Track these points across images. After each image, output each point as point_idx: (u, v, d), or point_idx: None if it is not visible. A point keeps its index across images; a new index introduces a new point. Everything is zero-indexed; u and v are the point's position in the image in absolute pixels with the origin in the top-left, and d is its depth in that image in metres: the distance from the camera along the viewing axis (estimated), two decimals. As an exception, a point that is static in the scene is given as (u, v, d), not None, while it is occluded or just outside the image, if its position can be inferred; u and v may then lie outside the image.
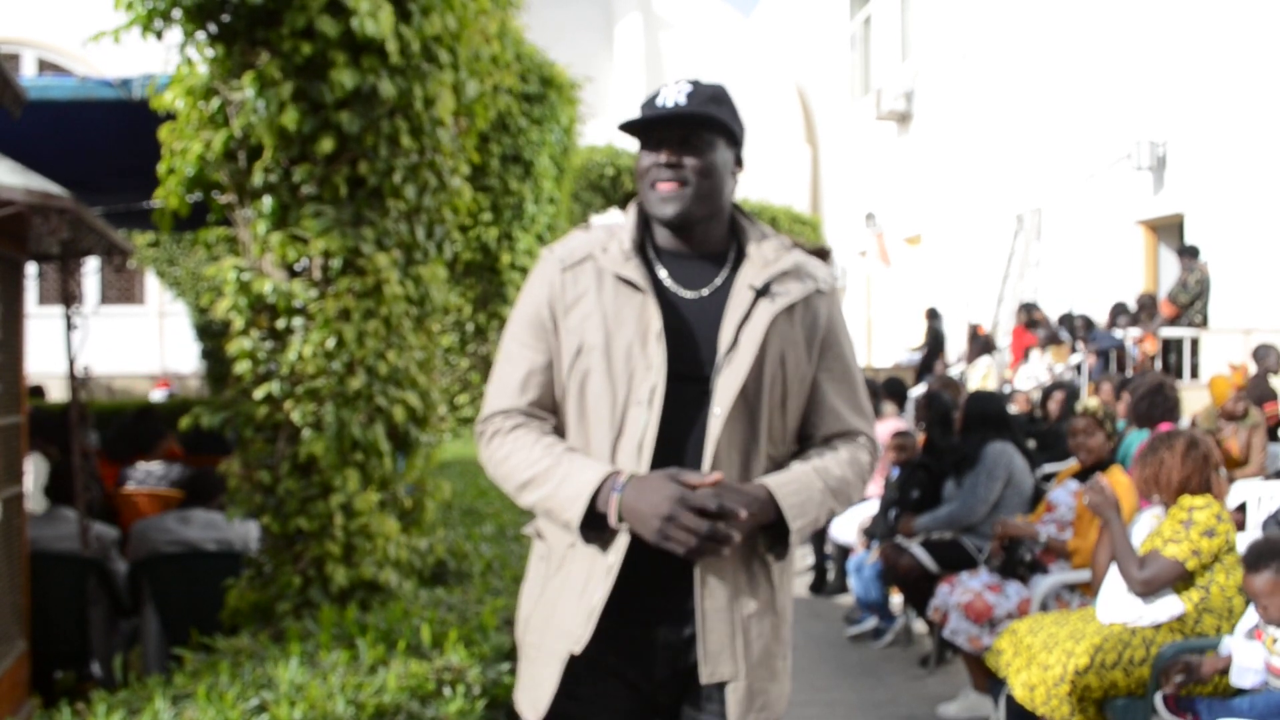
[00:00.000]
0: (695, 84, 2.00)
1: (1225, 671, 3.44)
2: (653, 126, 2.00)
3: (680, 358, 1.96)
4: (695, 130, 1.98)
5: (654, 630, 1.97)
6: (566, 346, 2.01)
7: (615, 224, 2.10)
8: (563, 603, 1.99)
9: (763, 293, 2.00)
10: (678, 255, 2.05)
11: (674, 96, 1.98)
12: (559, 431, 2.04)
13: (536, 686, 2.00)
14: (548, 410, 2.05)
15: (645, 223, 2.09)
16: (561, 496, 1.92)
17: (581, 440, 2.01)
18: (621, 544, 1.92)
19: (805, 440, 2.09)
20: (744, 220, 2.11)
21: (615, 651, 1.97)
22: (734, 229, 2.09)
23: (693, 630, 1.96)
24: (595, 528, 1.91)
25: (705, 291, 2.02)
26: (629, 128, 2.02)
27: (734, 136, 2.03)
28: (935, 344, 14.72)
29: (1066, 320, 12.42)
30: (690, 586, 1.95)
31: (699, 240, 2.05)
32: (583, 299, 2.00)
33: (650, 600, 1.97)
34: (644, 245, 2.06)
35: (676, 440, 1.95)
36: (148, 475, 6.51)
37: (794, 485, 1.96)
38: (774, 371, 1.99)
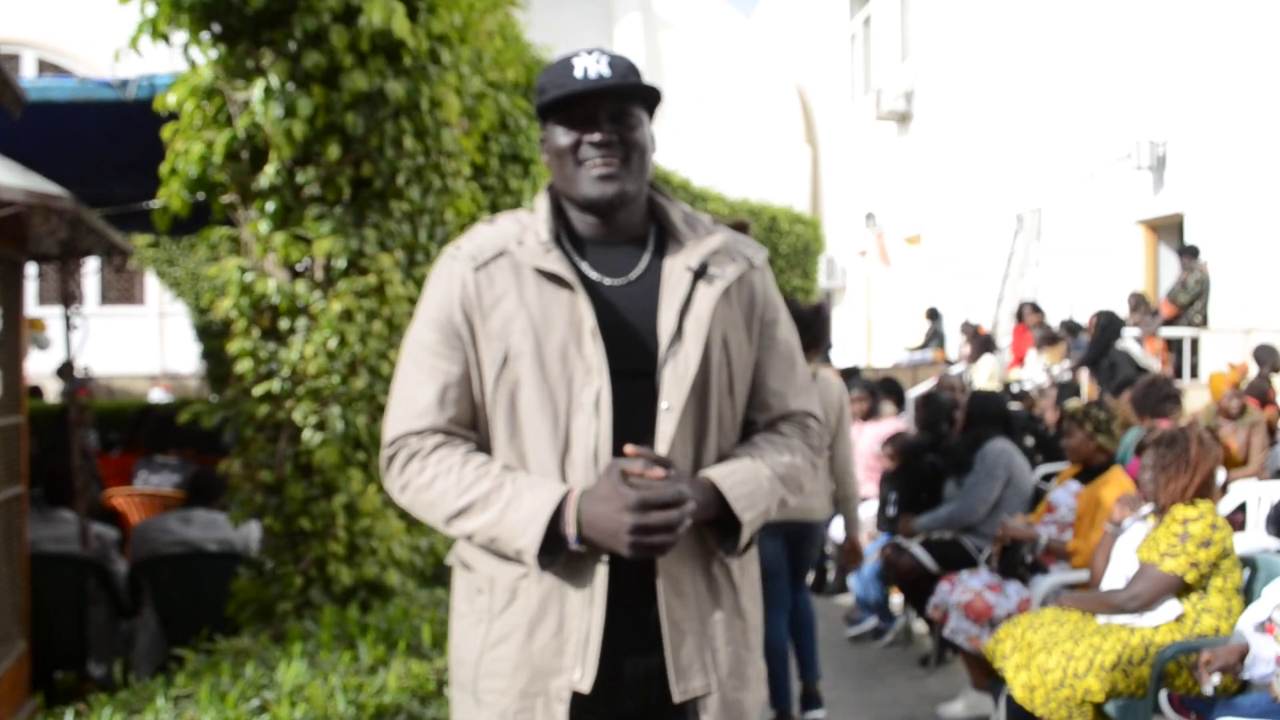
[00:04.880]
0: (609, 54, 1.84)
1: (1228, 669, 3.43)
2: (581, 101, 1.82)
3: (619, 353, 1.80)
4: (626, 104, 1.83)
5: (620, 661, 1.81)
6: (488, 355, 1.81)
7: (522, 215, 1.93)
8: (529, 639, 1.79)
9: (699, 274, 1.85)
10: (598, 242, 1.89)
11: (595, 68, 1.81)
12: (483, 450, 1.85)
13: None
14: (467, 428, 1.84)
15: (558, 210, 1.91)
16: (509, 523, 1.74)
17: (515, 457, 1.82)
18: (603, 569, 1.77)
19: (748, 425, 1.95)
20: (661, 199, 1.94)
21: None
22: (651, 209, 1.94)
23: (660, 660, 1.81)
24: (548, 552, 1.74)
25: (632, 276, 1.87)
26: (555, 105, 1.83)
27: (654, 110, 1.89)
28: (939, 339, 14.86)
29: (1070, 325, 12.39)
30: (649, 601, 1.80)
31: (622, 224, 1.89)
32: (502, 300, 1.81)
33: (612, 625, 1.78)
34: (558, 235, 1.88)
35: (627, 443, 1.77)
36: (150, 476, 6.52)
37: (738, 475, 1.82)
38: (719, 357, 1.86)
